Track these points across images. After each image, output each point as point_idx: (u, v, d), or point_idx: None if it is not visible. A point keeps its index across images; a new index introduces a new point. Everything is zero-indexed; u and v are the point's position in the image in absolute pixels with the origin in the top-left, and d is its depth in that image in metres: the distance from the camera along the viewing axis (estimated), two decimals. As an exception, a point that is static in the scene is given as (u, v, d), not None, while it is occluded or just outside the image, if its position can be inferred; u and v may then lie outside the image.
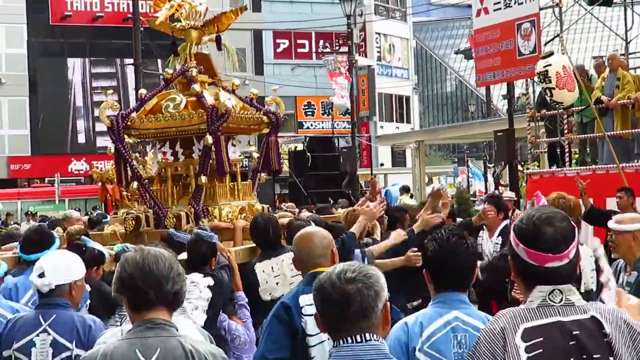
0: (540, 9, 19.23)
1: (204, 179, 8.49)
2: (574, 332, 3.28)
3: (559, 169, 16.61)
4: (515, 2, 19.17)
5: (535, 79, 16.73)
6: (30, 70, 47.37)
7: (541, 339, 3.27)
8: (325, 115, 52.83)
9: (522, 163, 25.03)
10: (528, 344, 3.27)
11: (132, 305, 3.83)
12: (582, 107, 15.66)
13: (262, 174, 9.87)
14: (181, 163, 8.98)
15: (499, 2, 19.66)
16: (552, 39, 19.80)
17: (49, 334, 5.24)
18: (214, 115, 8.39)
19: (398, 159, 55.51)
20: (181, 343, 3.75)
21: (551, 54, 15.79)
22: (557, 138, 16.92)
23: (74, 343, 5.26)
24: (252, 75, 46.55)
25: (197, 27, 9.11)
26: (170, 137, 8.86)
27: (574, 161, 17.40)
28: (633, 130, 15.38)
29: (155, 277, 3.76)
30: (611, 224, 6.23)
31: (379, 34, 57.78)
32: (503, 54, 19.57)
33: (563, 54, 15.91)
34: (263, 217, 7.85)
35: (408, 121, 60.49)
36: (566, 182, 15.33)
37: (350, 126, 41.80)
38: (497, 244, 9.90)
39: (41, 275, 5.37)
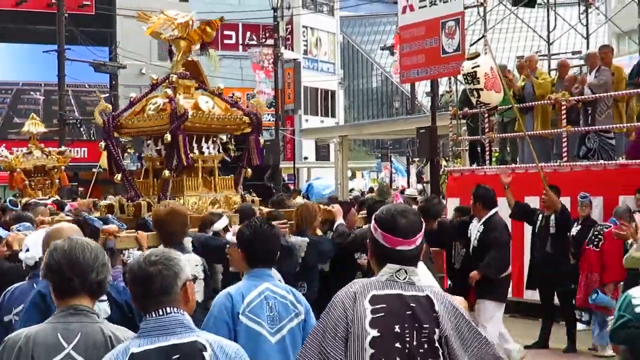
0: (465, 7, 19.43)
1: (167, 173, 9.50)
2: (411, 304, 4.05)
3: (479, 167, 16.78)
4: (440, 0, 19.30)
5: (460, 78, 16.82)
6: (-50, 53, 46.39)
7: (384, 304, 4.03)
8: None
9: (447, 159, 25.25)
10: (373, 307, 4.03)
11: (57, 291, 4.03)
12: (507, 107, 15.79)
13: (246, 169, 10.96)
14: (160, 158, 9.96)
15: (424, 0, 19.78)
16: (478, 40, 19.99)
17: None
18: (174, 116, 9.35)
19: (322, 153, 55.55)
20: (102, 329, 3.97)
21: (477, 55, 15.87)
22: (478, 136, 17.09)
23: None
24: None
25: (184, 37, 10.10)
26: (152, 134, 9.91)
27: (494, 159, 17.57)
28: (552, 130, 15.58)
29: (81, 265, 3.98)
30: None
31: (305, 27, 57.84)
32: (427, 51, 19.70)
33: (486, 53, 16.04)
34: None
35: (333, 115, 60.68)
36: (486, 180, 15.48)
37: (274, 119, 41.79)
38: (479, 232, 11.43)
39: (26, 251, 6.09)
